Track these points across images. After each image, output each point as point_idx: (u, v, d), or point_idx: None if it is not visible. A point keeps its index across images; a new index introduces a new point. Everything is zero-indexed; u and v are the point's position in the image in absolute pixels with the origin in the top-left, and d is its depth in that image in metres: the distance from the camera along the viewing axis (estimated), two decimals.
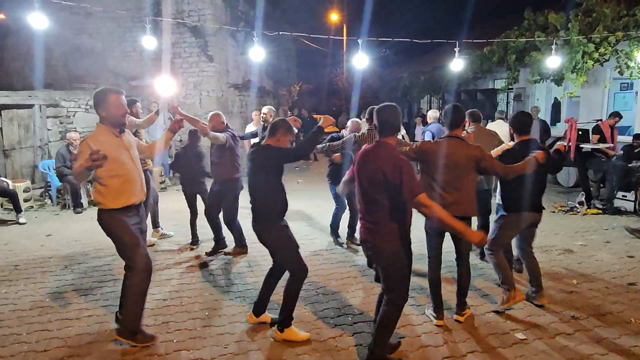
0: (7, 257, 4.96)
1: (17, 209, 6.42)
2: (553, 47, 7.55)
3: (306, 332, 3.19)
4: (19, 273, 4.46)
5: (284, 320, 3.11)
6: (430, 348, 3.08)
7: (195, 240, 5.30)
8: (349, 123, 5.12)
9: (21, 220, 6.36)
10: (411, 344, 3.13)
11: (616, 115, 7.58)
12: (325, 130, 3.23)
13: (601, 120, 7.99)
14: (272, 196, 3.10)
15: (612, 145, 7.38)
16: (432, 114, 7.12)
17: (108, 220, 3.01)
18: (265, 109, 6.14)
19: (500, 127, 6.25)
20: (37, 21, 5.51)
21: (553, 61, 7.66)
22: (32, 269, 4.58)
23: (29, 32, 9.09)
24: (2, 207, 6.86)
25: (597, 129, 7.53)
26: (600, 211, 6.85)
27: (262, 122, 6.28)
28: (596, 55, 8.33)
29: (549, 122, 10.48)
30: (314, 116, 14.75)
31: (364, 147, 2.84)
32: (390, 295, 2.72)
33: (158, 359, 2.95)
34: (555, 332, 3.28)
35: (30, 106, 8.12)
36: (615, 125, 7.66)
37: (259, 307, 3.33)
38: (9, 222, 6.41)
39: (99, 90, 3.04)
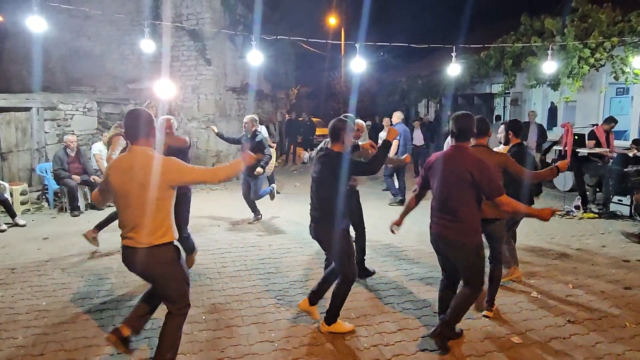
0: (4, 260, 4.95)
1: (11, 214, 6.38)
2: (549, 52, 7.60)
3: (351, 324, 3.38)
4: (15, 276, 4.45)
5: (330, 317, 3.30)
6: (426, 352, 3.09)
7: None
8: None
9: (20, 222, 6.34)
10: (406, 348, 3.14)
11: (611, 120, 7.62)
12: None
13: (597, 125, 8.05)
14: (338, 200, 3.20)
15: (609, 149, 7.40)
16: (398, 115, 7.97)
17: (172, 255, 2.63)
18: (246, 118, 6.13)
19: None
20: (36, 24, 5.52)
21: (549, 66, 7.72)
22: (29, 272, 4.57)
23: (27, 35, 9.10)
24: None
25: (592, 135, 7.57)
26: (597, 215, 6.88)
27: (244, 132, 6.25)
28: (592, 60, 8.40)
29: (545, 127, 10.54)
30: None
31: (442, 152, 3.13)
32: (469, 284, 3.03)
33: None
34: (550, 336, 3.30)
35: (27, 109, 8.12)
36: (612, 130, 7.68)
37: (315, 297, 3.42)
38: (6, 225, 6.39)
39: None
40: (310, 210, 3.34)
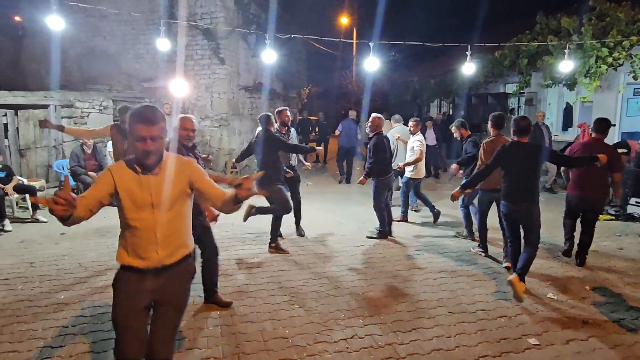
0: (23, 254, 5.05)
1: (34, 207, 6.54)
2: (566, 51, 7.49)
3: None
4: (34, 270, 4.54)
5: (523, 273, 3.91)
6: (441, 352, 3.07)
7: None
8: (370, 119, 5.70)
9: (42, 218, 6.46)
10: (421, 346, 3.13)
11: None
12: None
13: (614, 125, 7.91)
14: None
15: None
16: (351, 113, 10.75)
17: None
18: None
19: None
20: (55, 23, 5.62)
21: (566, 65, 7.61)
22: (47, 266, 4.65)
23: (45, 34, 9.26)
24: (17, 205, 6.97)
25: (624, 145, 7.38)
26: (613, 217, 6.77)
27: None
28: (610, 59, 8.26)
29: (560, 127, 10.39)
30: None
31: (580, 142, 4.45)
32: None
33: (178, 356, 2.97)
34: (567, 338, 3.26)
35: (45, 106, 8.26)
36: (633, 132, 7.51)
37: (522, 272, 3.89)
38: (25, 220, 6.51)
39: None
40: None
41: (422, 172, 6.73)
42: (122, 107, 4.96)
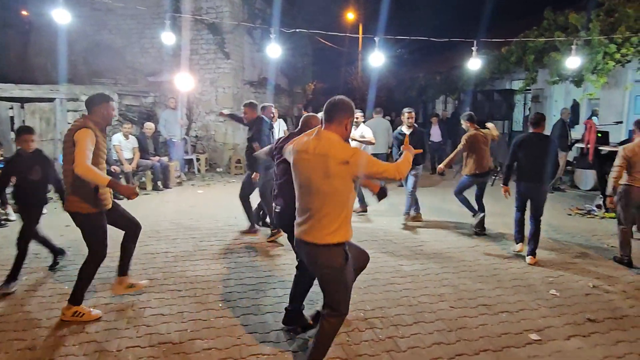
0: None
1: None
2: (573, 47, 7.42)
3: None
4: (39, 261, 4.58)
5: (535, 248, 4.70)
6: (442, 345, 3.08)
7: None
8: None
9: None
10: (422, 340, 3.13)
11: None
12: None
13: (621, 122, 7.84)
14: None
15: None
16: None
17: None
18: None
19: None
20: (61, 17, 5.65)
21: (573, 62, 7.54)
22: (52, 257, 4.69)
23: (51, 29, 9.30)
24: None
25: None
26: None
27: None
28: (618, 56, 8.17)
29: (567, 124, 10.27)
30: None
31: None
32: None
33: (173, 347, 3.01)
34: (569, 334, 3.25)
35: (51, 100, 8.31)
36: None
37: (534, 247, 4.65)
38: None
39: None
40: None
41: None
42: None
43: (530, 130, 4.78)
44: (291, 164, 2.60)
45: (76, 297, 3.32)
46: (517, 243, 4.99)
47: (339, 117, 2.47)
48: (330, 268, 2.45)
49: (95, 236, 3.34)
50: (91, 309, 3.38)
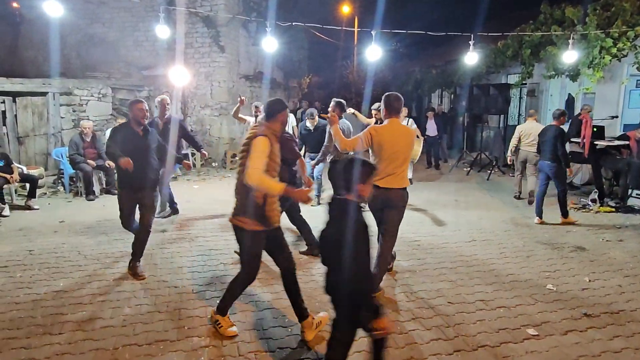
0: (22, 242, 5.04)
1: (31, 195, 6.55)
2: (570, 41, 7.40)
3: None
4: (33, 258, 4.54)
5: (563, 209, 6.11)
6: (440, 341, 3.08)
7: None
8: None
9: (34, 206, 6.47)
10: (420, 336, 3.13)
11: None
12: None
13: (617, 117, 7.86)
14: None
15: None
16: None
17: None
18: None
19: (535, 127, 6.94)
20: (52, 9, 5.54)
21: (569, 56, 7.52)
22: (46, 254, 4.65)
23: (43, 21, 9.15)
24: (16, 193, 6.96)
25: (624, 138, 7.31)
26: (613, 209, 6.76)
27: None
28: (614, 50, 8.16)
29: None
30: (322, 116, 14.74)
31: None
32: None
33: (170, 345, 2.99)
34: (566, 329, 3.26)
35: (44, 94, 8.20)
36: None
37: (563, 210, 5.96)
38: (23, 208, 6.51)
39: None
40: None
41: None
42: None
43: (554, 123, 6.03)
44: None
45: (220, 308, 3.18)
46: (537, 216, 6.09)
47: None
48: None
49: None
50: (232, 326, 3.16)
